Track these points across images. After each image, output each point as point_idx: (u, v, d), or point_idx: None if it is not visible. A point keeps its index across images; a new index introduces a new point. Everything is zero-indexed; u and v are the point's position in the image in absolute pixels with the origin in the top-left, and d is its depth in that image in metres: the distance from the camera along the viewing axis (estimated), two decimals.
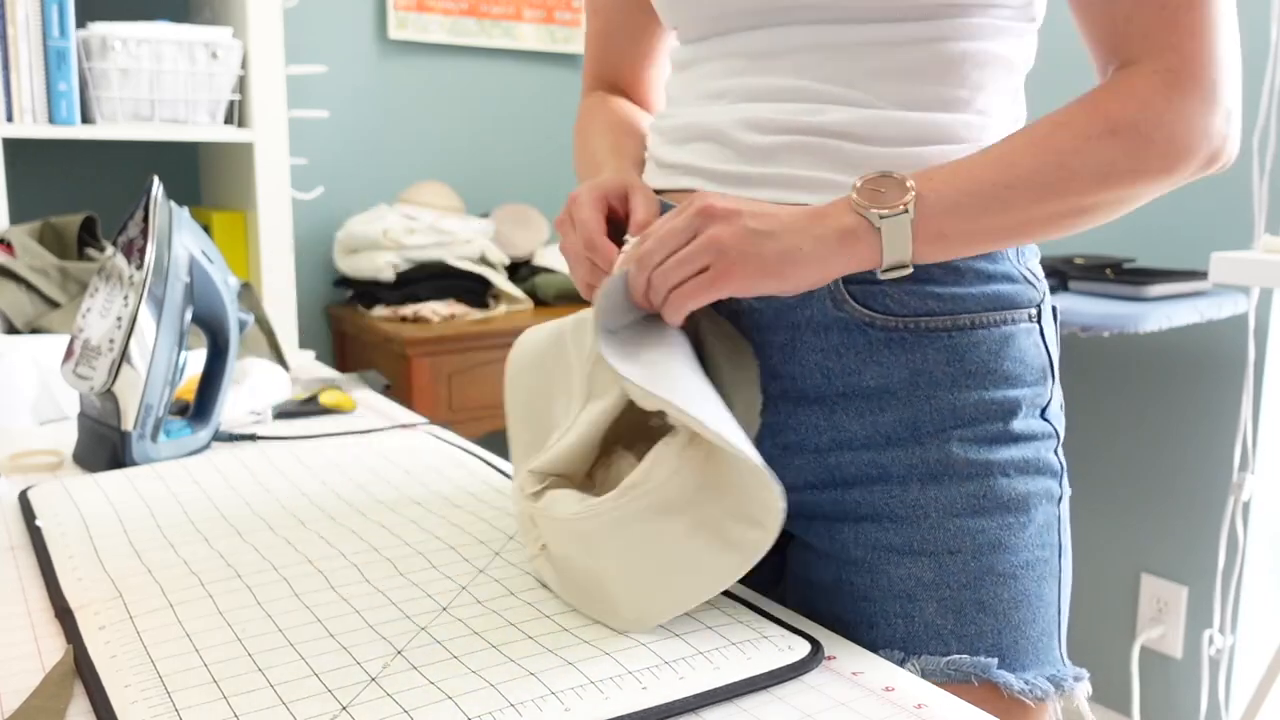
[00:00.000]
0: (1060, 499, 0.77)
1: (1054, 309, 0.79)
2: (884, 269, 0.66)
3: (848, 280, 0.73)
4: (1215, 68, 0.66)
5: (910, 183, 0.66)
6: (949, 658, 0.72)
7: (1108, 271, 1.90)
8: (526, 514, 0.72)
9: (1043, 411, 0.76)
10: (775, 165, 0.74)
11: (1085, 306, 1.76)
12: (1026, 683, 0.72)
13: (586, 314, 0.74)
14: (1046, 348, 0.76)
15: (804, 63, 0.73)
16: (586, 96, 0.98)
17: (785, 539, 0.83)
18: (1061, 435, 0.78)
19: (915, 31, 0.71)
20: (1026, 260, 0.76)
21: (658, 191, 0.82)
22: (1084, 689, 0.76)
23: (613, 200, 0.75)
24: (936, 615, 0.73)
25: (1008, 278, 0.74)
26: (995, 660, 0.72)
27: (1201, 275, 1.88)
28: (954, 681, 0.71)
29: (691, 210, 0.66)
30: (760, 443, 0.77)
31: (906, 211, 0.65)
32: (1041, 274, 0.78)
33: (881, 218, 0.65)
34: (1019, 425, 0.74)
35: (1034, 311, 0.75)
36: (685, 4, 0.79)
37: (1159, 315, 1.72)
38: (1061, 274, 1.94)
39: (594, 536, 0.66)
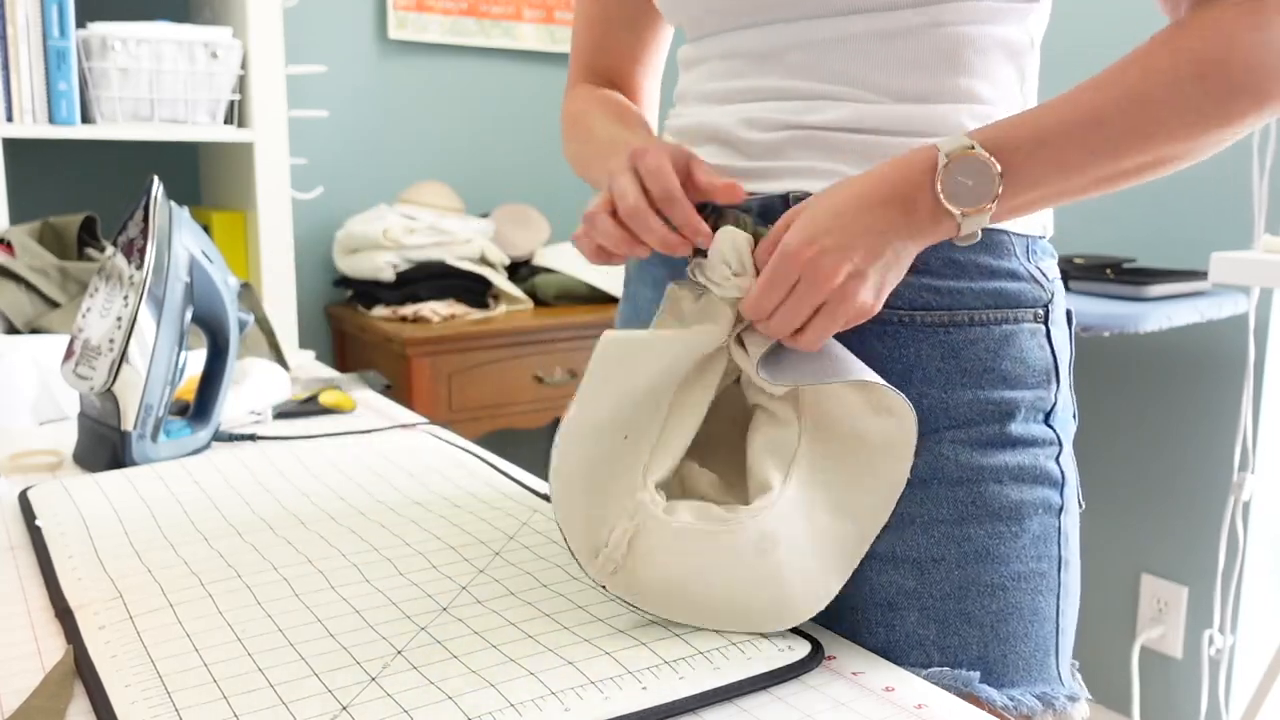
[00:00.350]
0: (1062, 510, 0.73)
1: (1069, 312, 0.76)
2: (958, 239, 0.66)
3: None
4: None
5: (998, 169, 0.63)
6: (930, 670, 0.70)
7: (1108, 271, 1.90)
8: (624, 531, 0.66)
9: (1045, 417, 0.73)
10: (780, 159, 0.73)
11: (1085, 306, 1.76)
12: (1011, 699, 0.70)
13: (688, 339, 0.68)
14: (1053, 351, 0.73)
15: (802, 60, 0.72)
16: (573, 88, 0.93)
17: None
18: (1067, 444, 0.74)
19: (912, 20, 0.69)
20: (1038, 259, 0.74)
21: None
22: (1081, 710, 0.73)
23: (676, 165, 0.69)
24: (919, 625, 0.71)
25: (1012, 275, 0.72)
26: (978, 674, 0.70)
27: (1201, 275, 1.88)
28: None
29: (796, 269, 0.63)
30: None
31: (989, 210, 0.63)
32: (1055, 275, 0.75)
33: (965, 216, 0.63)
34: (1016, 429, 0.72)
35: (1040, 312, 0.73)
36: (683, 2, 0.78)
37: (1159, 315, 1.72)
38: (1062, 274, 1.94)
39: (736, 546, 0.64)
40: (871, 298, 0.64)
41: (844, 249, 0.63)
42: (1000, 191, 0.63)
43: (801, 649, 0.64)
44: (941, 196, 0.63)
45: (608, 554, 0.64)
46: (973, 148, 0.62)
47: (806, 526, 0.65)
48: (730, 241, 0.67)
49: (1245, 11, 0.62)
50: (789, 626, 0.64)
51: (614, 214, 0.69)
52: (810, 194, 0.71)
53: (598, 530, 0.65)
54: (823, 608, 0.65)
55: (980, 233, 0.65)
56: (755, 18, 0.74)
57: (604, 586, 0.65)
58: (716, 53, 0.78)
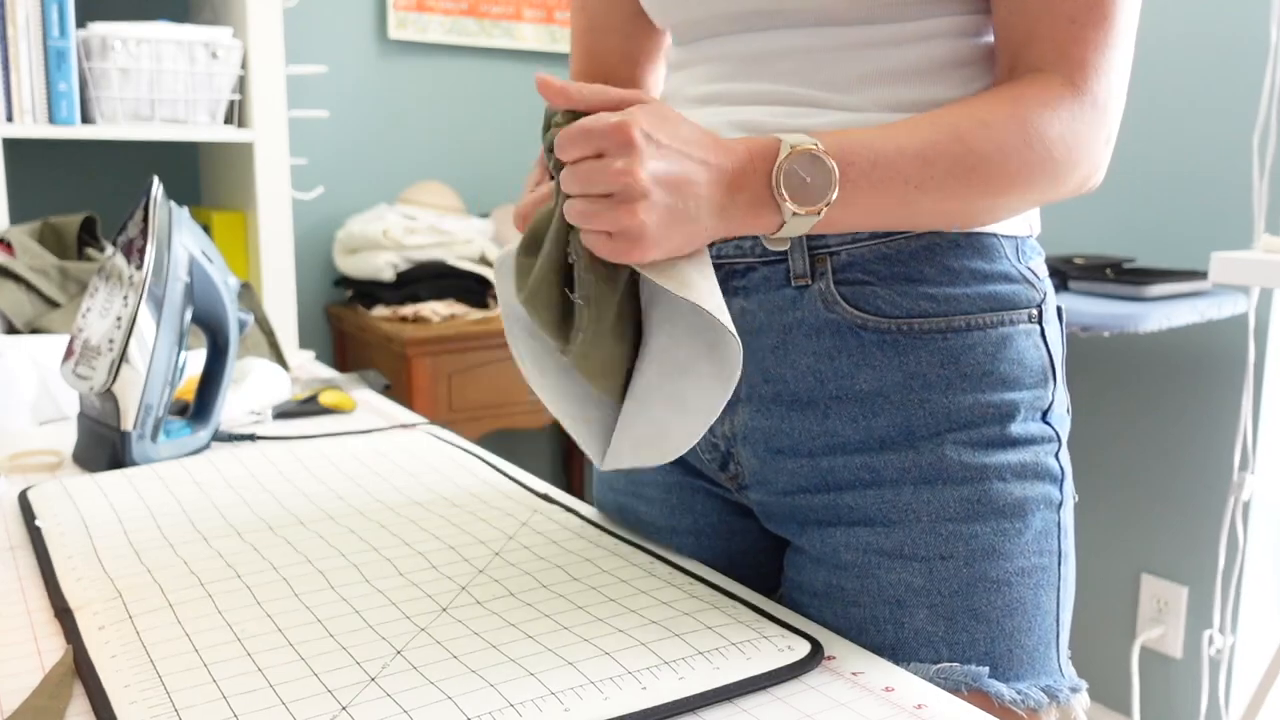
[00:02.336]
0: (1061, 505, 0.74)
1: (1059, 309, 0.77)
2: (770, 237, 0.65)
3: (839, 281, 0.72)
4: (1109, 90, 0.67)
5: (837, 174, 0.62)
6: (939, 665, 0.71)
7: (1108, 271, 1.90)
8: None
9: (1044, 415, 0.74)
10: None
11: (1085, 306, 1.76)
12: (1019, 693, 0.71)
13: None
14: (1048, 349, 0.74)
15: (791, 68, 0.73)
16: None
17: (781, 543, 0.82)
18: (1064, 439, 0.76)
19: (904, 31, 0.70)
20: (1027, 259, 0.75)
21: None
22: (1081, 701, 0.74)
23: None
24: (927, 622, 0.71)
25: (1005, 277, 0.73)
26: (986, 669, 0.71)
27: (1201, 275, 1.88)
28: (944, 690, 0.70)
29: (613, 154, 0.60)
30: (753, 446, 0.77)
31: (819, 214, 0.63)
32: (1044, 273, 0.76)
33: (794, 214, 0.62)
34: (1017, 429, 0.72)
35: (1034, 312, 0.74)
36: (673, 7, 0.78)
37: (1159, 315, 1.72)
38: (1061, 274, 1.94)
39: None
40: (650, 225, 0.59)
41: (661, 164, 0.59)
42: (834, 197, 0.62)
43: (801, 649, 0.64)
44: (779, 186, 0.62)
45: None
46: (816, 145, 0.62)
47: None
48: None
49: (1071, 95, 0.66)
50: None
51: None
52: None
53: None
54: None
55: (789, 243, 0.65)
56: (745, 24, 0.74)
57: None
58: (705, 57, 0.78)
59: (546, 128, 0.66)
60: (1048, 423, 0.74)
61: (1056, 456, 0.74)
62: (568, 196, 0.62)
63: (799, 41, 0.72)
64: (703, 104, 0.78)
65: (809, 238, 0.72)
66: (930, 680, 0.70)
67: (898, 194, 0.65)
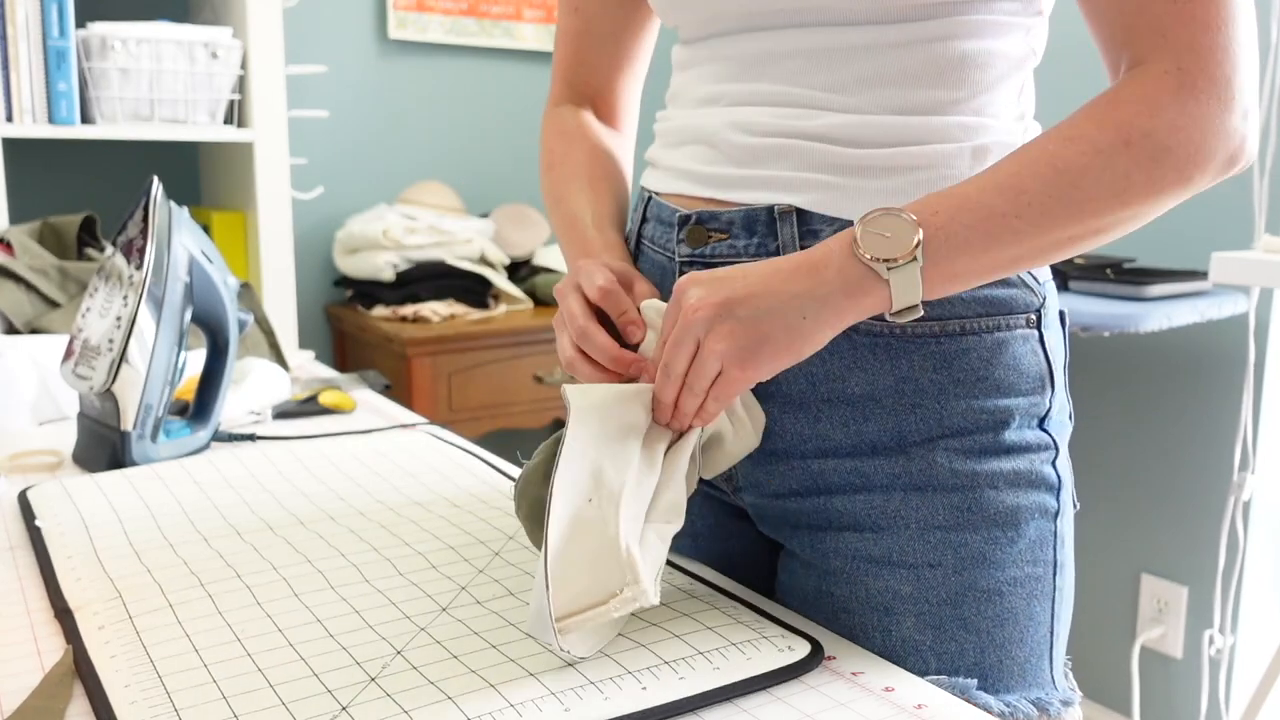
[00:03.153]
0: (1058, 514, 0.73)
1: (1061, 314, 0.76)
2: (894, 313, 0.64)
3: None
4: (1230, 64, 0.62)
5: (915, 220, 0.62)
6: (927, 677, 0.69)
7: (1108, 271, 1.90)
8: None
9: (1040, 422, 0.73)
10: (762, 167, 0.72)
11: (1085, 306, 1.76)
12: (1008, 705, 0.70)
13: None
14: (1047, 355, 0.73)
15: (796, 68, 0.72)
16: (554, 108, 0.93)
17: (776, 545, 0.82)
18: (1062, 447, 0.74)
19: (911, 33, 0.69)
20: None
21: (655, 194, 0.81)
22: (1073, 714, 0.73)
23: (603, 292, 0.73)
24: (915, 630, 0.71)
25: (1003, 281, 0.71)
26: (975, 681, 0.70)
27: (1201, 275, 1.88)
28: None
29: (683, 321, 0.64)
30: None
31: (915, 260, 0.61)
32: (1046, 276, 0.75)
33: (889, 269, 0.62)
34: (1011, 436, 0.71)
35: (1032, 317, 0.72)
36: (680, 6, 0.78)
37: (1159, 315, 1.72)
38: (1061, 274, 1.94)
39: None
40: (737, 345, 0.63)
41: (718, 291, 0.63)
42: (921, 243, 0.61)
43: (801, 649, 0.64)
44: (860, 251, 0.62)
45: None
46: (888, 209, 0.63)
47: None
48: (654, 308, 0.72)
49: (1175, 82, 0.62)
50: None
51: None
52: (796, 207, 0.71)
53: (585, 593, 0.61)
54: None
55: (921, 308, 0.64)
56: (750, 24, 0.74)
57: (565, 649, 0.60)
58: (711, 56, 0.77)
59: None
60: (1045, 430, 0.73)
61: (1054, 464, 0.73)
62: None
63: (803, 42, 0.71)
64: (706, 104, 0.77)
65: (801, 238, 0.71)
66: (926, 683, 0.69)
67: (1001, 228, 0.62)
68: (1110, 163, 0.62)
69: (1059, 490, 0.73)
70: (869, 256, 0.62)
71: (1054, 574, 0.73)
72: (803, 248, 0.72)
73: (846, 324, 0.64)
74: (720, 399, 0.65)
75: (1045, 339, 0.73)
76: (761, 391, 0.74)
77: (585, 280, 0.73)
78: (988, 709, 0.69)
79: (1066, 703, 0.73)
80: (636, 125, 0.96)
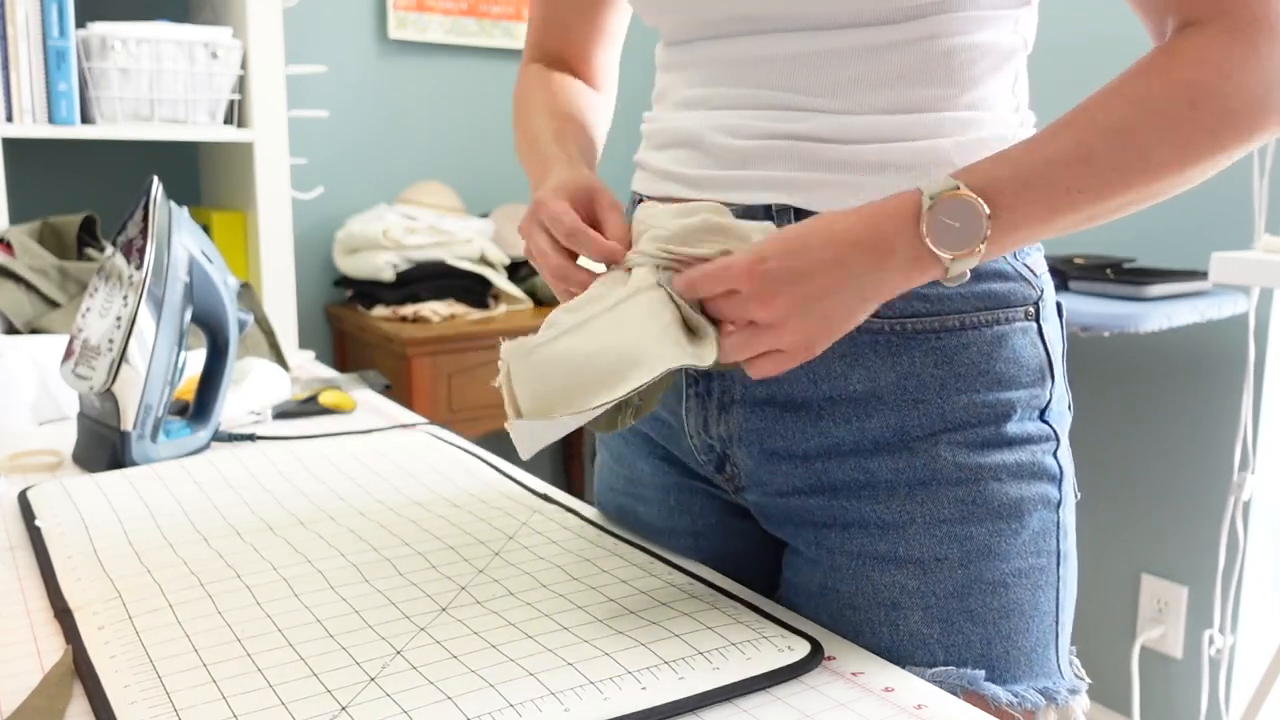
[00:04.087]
0: (1060, 504, 0.74)
1: (1059, 305, 0.76)
2: (945, 281, 0.64)
3: None
4: (1277, 8, 0.60)
5: (986, 212, 0.61)
6: (934, 669, 0.70)
7: (1108, 271, 1.90)
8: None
9: (1041, 413, 0.73)
10: (750, 168, 0.72)
11: (1085, 306, 1.76)
12: (1015, 695, 0.70)
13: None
14: (1046, 347, 0.73)
15: (783, 71, 0.71)
16: (526, 67, 0.92)
17: (779, 543, 0.82)
18: (1063, 438, 0.75)
19: (897, 35, 0.69)
20: (1024, 256, 0.73)
21: (645, 197, 0.81)
22: (1080, 702, 0.74)
23: (577, 202, 0.72)
24: (922, 624, 0.71)
25: (1000, 275, 0.71)
26: (983, 672, 0.70)
27: (1201, 275, 1.88)
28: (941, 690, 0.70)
29: (743, 297, 0.62)
30: (748, 448, 0.77)
31: (978, 253, 0.61)
32: (1042, 269, 0.75)
33: (954, 260, 0.61)
34: (1013, 428, 0.72)
35: (1031, 309, 0.73)
36: (665, 9, 0.78)
37: (1159, 315, 1.72)
38: (1061, 274, 1.94)
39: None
40: (803, 336, 0.63)
41: (790, 283, 0.62)
42: (989, 234, 0.61)
43: (801, 649, 0.64)
44: (927, 240, 0.61)
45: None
46: (958, 188, 0.61)
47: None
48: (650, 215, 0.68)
49: (1235, 39, 0.61)
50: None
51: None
52: (791, 206, 0.71)
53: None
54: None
55: (969, 273, 0.63)
56: (735, 28, 0.73)
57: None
58: (694, 59, 0.77)
59: None
60: (1046, 421, 0.74)
61: (1055, 455, 0.74)
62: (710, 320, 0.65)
63: (788, 46, 0.71)
64: (691, 107, 0.77)
65: None
66: (925, 682, 0.69)
67: (1063, 204, 0.62)
68: (1176, 126, 0.61)
69: (1061, 481, 0.74)
70: (938, 247, 0.61)
71: (1058, 564, 0.74)
72: None
73: (898, 293, 0.65)
74: (765, 368, 0.65)
75: (1044, 331, 0.74)
76: (763, 393, 0.74)
77: (551, 222, 0.71)
78: (996, 699, 0.70)
79: (1073, 691, 0.74)
80: (615, 89, 0.95)
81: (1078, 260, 1.99)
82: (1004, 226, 0.62)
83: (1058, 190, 0.62)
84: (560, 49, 0.92)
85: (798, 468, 0.74)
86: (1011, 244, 0.64)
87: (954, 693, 0.69)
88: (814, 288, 0.62)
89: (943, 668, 0.70)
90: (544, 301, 2.49)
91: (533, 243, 0.73)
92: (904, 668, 0.70)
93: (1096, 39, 2.04)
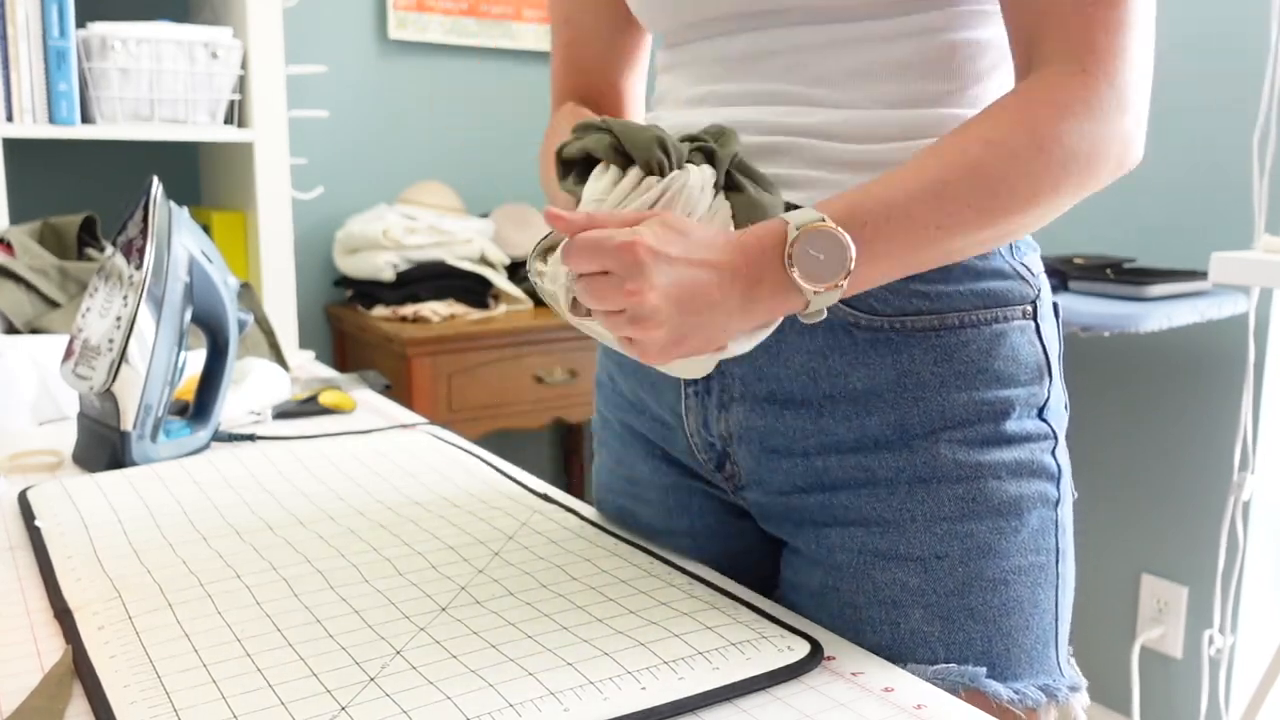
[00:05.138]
0: (1058, 502, 0.74)
1: (1055, 305, 0.77)
2: (802, 314, 0.64)
3: None
4: (1129, 69, 0.64)
5: (849, 241, 0.61)
6: (936, 666, 0.70)
7: (1108, 271, 1.90)
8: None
9: (1039, 412, 0.74)
10: (762, 165, 0.72)
11: (1085, 306, 1.76)
12: (1016, 692, 0.71)
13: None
14: (1043, 345, 0.74)
15: (785, 66, 0.72)
16: (555, 112, 0.92)
17: (778, 543, 0.82)
18: (1060, 436, 0.75)
19: (899, 27, 0.69)
20: (1021, 255, 0.74)
21: None
22: (1081, 700, 0.74)
23: None
24: (923, 622, 0.71)
25: (999, 274, 0.72)
26: (984, 669, 0.71)
27: (1201, 275, 1.88)
28: (941, 690, 0.70)
29: (615, 279, 0.60)
30: (748, 446, 0.77)
31: (840, 288, 0.62)
32: (1039, 269, 0.76)
33: (816, 294, 0.62)
34: (1012, 426, 0.72)
35: (1029, 308, 0.73)
36: (663, 10, 0.78)
37: (1159, 315, 1.72)
38: (1061, 274, 1.94)
39: None
40: (668, 336, 0.61)
41: (671, 280, 0.60)
42: (851, 267, 0.61)
43: (801, 649, 0.64)
44: (794, 272, 0.61)
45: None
46: (823, 220, 0.61)
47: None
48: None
49: (1079, 84, 0.63)
50: None
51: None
52: (796, 205, 0.71)
53: None
54: None
55: (826, 312, 0.63)
56: (735, 25, 0.74)
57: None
58: (696, 58, 0.77)
59: None
60: (1044, 419, 0.74)
61: (1053, 453, 0.74)
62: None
63: (789, 40, 0.72)
64: (695, 105, 0.77)
65: None
66: (927, 681, 0.69)
67: (921, 239, 0.63)
68: (1027, 168, 0.63)
69: (1059, 479, 0.74)
70: (801, 278, 0.61)
71: (1056, 561, 0.74)
72: None
73: (755, 326, 0.64)
74: (607, 331, 0.63)
75: (1041, 330, 0.74)
76: (763, 390, 0.75)
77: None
78: (997, 696, 0.70)
79: (1074, 688, 0.74)
80: (642, 114, 0.95)
81: (1078, 260, 1.99)
82: (867, 259, 0.62)
83: (918, 225, 0.63)
84: (590, 88, 0.91)
85: (798, 465, 0.75)
86: (870, 279, 0.64)
87: (955, 690, 0.70)
88: (688, 288, 0.60)
89: (944, 665, 0.71)
90: (543, 302, 2.49)
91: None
92: (905, 665, 0.70)
93: None
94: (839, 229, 0.61)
